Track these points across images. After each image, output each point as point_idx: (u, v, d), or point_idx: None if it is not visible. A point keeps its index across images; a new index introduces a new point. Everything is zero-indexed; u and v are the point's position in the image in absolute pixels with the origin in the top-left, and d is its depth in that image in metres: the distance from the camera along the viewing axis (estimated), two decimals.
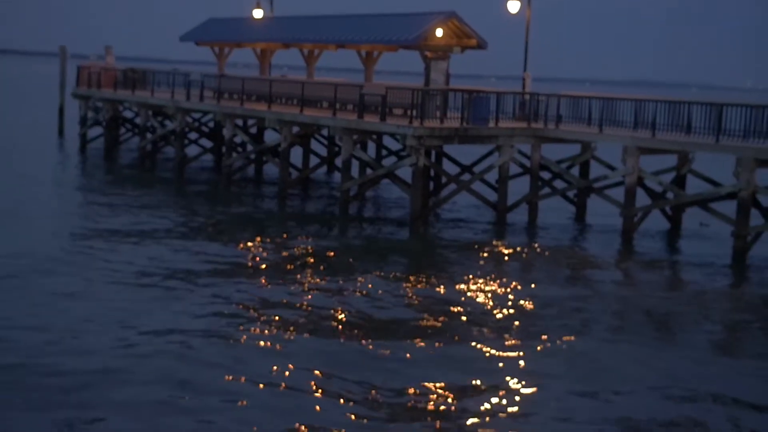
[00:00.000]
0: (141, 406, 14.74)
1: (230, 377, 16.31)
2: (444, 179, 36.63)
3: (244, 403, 15.20)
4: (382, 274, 24.64)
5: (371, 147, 43.37)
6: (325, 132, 41.50)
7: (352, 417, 14.76)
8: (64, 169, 45.58)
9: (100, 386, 15.50)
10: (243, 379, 16.28)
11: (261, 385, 16.01)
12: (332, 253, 27.39)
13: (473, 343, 18.95)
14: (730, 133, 28.45)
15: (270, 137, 44.86)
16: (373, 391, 15.94)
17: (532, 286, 24.23)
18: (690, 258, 29.26)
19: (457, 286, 23.65)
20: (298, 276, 24.02)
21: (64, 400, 14.87)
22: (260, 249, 27.46)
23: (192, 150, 46.96)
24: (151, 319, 19.37)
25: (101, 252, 25.77)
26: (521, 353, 18.44)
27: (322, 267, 25.23)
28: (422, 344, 18.69)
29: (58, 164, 46.94)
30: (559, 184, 35.76)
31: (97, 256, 25.24)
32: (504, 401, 15.76)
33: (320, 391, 15.82)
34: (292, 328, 19.21)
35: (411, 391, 16.05)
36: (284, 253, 26.90)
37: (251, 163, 44.47)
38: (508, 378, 16.93)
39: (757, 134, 27.89)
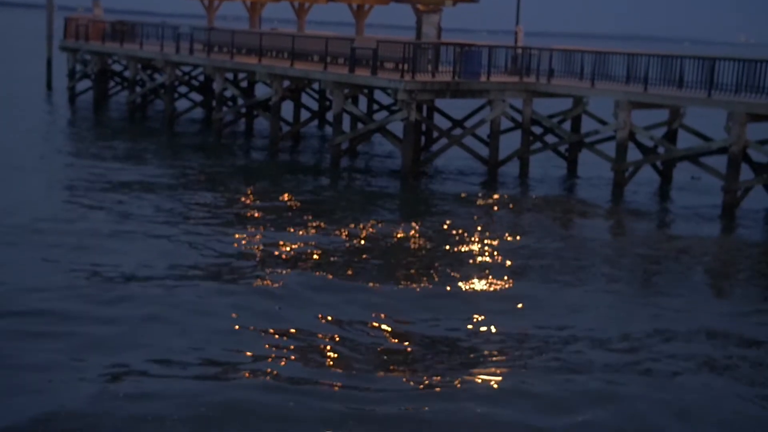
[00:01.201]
0: (145, 361, 14.74)
1: (230, 324, 16.48)
2: (435, 134, 36.61)
3: (247, 349, 15.37)
4: (374, 223, 24.85)
5: (362, 101, 43.23)
6: (316, 86, 41.33)
7: (342, 362, 14.93)
8: (53, 122, 45.24)
9: (108, 339, 15.57)
10: (242, 326, 16.48)
11: (259, 332, 16.19)
12: (324, 204, 27.55)
13: (463, 291, 19.18)
14: (722, 88, 28.45)
15: (261, 91, 44.68)
16: (361, 334, 16.25)
17: (523, 236, 24.39)
18: (680, 210, 29.48)
19: (448, 236, 23.81)
20: (290, 226, 24.14)
21: (69, 351, 14.95)
22: (253, 200, 27.53)
23: (182, 104, 46.72)
24: (152, 271, 19.43)
25: (96, 204, 25.74)
26: (512, 302, 18.63)
27: (313, 217, 25.33)
28: (414, 291, 18.91)
29: (47, 117, 46.59)
30: (550, 138, 35.76)
31: (91, 208, 25.21)
32: (492, 349, 15.91)
33: (313, 336, 15.98)
34: (285, 275, 19.32)
35: (400, 335, 16.31)
36: (276, 204, 27.02)
37: (242, 117, 44.27)
38: (497, 326, 17.06)
39: (748, 89, 27.90)
